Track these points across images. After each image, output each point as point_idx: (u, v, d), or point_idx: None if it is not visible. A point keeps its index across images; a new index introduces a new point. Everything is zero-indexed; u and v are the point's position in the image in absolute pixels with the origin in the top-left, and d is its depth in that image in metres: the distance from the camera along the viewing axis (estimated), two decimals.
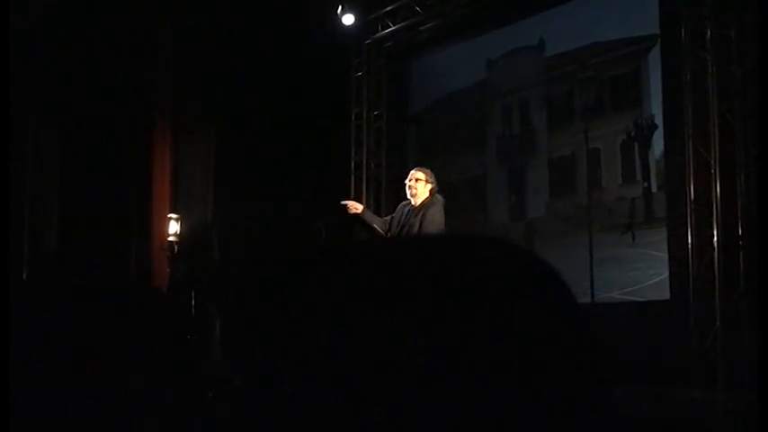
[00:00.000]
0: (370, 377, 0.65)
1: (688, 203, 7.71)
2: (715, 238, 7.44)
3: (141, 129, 9.66)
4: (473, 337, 0.66)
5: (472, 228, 9.87)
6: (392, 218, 6.85)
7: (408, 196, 6.67)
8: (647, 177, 8.54)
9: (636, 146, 8.65)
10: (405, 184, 6.76)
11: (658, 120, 8.42)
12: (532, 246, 8.86)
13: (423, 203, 6.53)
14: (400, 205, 6.85)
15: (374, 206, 10.44)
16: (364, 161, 10.91)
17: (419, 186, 6.57)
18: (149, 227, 9.65)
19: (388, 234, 6.55)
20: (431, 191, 6.59)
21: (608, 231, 8.70)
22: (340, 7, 10.43)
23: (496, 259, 0.75)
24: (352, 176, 10.84)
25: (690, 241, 7.67)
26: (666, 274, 8.17)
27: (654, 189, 8.47)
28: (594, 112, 8.96)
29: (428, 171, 6.75)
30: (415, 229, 6.36)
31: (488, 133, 10.22)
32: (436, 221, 6.35)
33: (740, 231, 7.33)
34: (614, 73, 8.96)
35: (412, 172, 6.75)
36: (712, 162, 7.52)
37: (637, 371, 7.23)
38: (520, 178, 9.80)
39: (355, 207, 6.83)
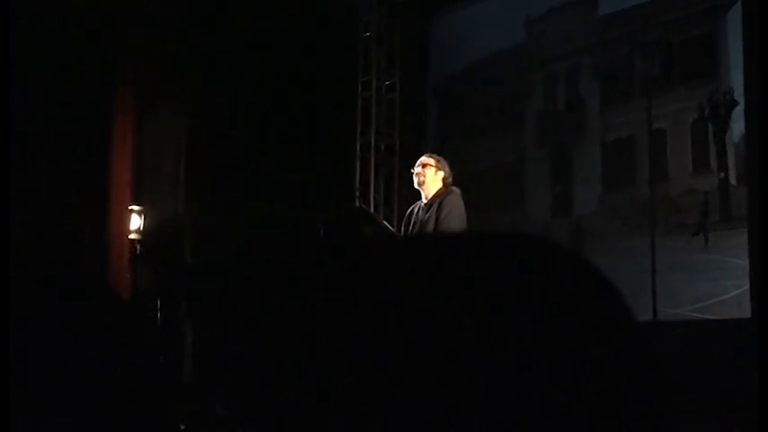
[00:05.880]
0: (379, 402, 0.65)
1: None
2: None
3: (98, 102, 9.66)
4: (507, 358, 0.66)
5: (506, 226, 9.85)
6: (403, 223, 6.88)
7: (416, 185, 6.69)
8: (723, 166, 8.50)
9: (710, 127, 8.61)
10: (412, 173, 6.77)
11: (738, 95, 8.39)
12: (581, 249, 8.84)
13: (436, 195, 6.54)
14: (410, 208, 6.86)
15: (385, 198, 10.44)
16: (373, 143, 10.89)
17: (428, 174, 6.59)
18: (106, 221, 9.66)
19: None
20: (444, 180, 6.59)
21: (675, 233, 8.68)
22: None
23: (538, 264, 0.75)
24: (358, 161, 10.82)
25: None
26: (747, 286, 8.14)
27: (732, 181, 8.44)
28: (659, 84, 8.93)
29: (440, 158, 6.76)
30: (431, 225, 6.34)
31: (527, 110, 10.20)
32: (455, 214, 6.35)
33: None
34: (684, 36, 8.92)
35: (420, 158, 6.77)
36: None
37: (710, 403, 7.21)
38: (566, 166, 9.78)
39: None
